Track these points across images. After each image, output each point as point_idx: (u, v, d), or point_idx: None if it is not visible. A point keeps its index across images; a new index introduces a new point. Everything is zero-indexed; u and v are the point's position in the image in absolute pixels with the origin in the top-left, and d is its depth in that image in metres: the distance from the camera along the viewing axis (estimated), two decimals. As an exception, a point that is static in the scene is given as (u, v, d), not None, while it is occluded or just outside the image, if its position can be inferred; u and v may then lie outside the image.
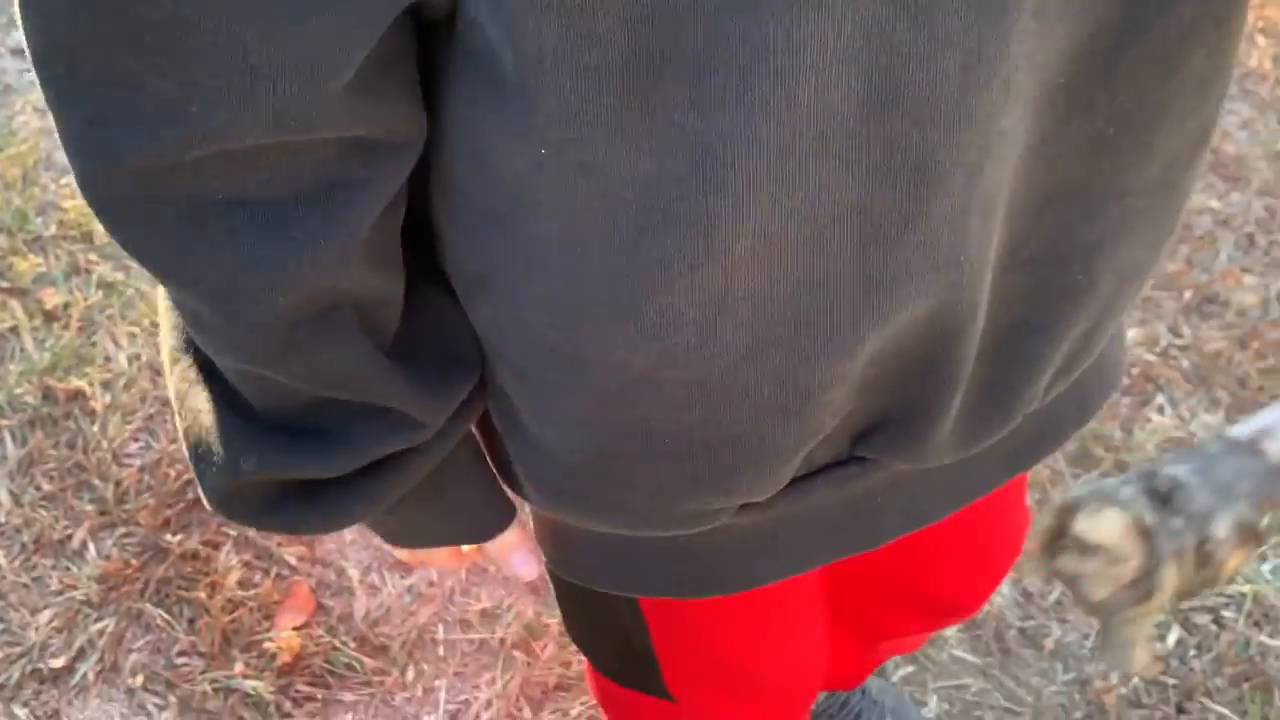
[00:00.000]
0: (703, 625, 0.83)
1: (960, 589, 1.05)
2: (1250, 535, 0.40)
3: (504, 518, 0.72)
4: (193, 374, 0.61)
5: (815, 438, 0.62)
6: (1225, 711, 1.54)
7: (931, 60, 0.48)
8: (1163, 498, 0.39)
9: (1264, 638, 1.60)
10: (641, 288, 0.53)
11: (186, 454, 0.63)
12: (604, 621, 0.86)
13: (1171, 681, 1.57)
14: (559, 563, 0.79)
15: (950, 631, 1.61)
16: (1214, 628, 1.61)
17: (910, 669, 1.58)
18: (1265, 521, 0.37)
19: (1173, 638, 1.60)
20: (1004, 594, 1.64)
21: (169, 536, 1.64)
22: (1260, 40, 2.29)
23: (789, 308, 0.55)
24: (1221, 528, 0.38)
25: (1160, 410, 1.81)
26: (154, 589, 1.61)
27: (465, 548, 0.76)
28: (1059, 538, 0.38)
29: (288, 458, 0.60)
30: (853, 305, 0.55)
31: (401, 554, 0.77)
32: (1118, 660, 0.37)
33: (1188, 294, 1.93)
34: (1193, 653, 1.59)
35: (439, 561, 0.76)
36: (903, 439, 0.65)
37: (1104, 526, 0.38)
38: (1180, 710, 1.55)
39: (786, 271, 0.53)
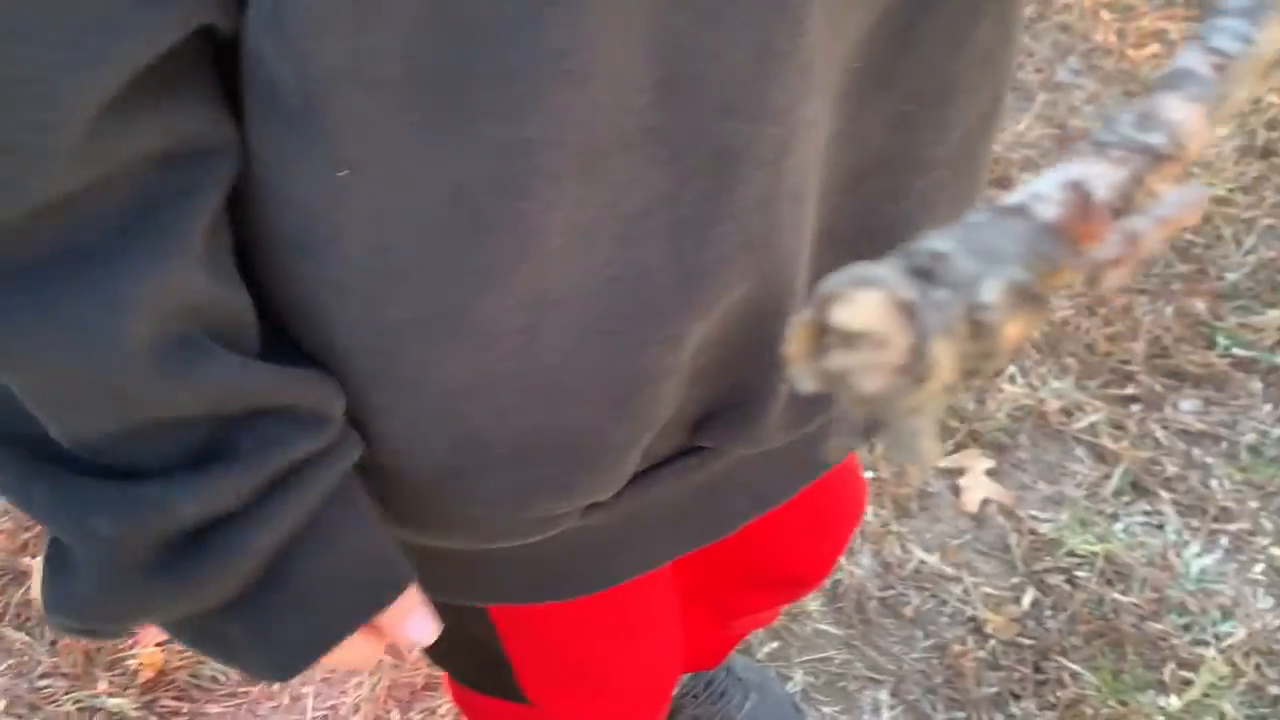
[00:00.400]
0: (554, 627, 0.84)
1: (806, 561, 1.07)
2: (1028, 299, 0.35)
3: (406, 567, 0.63)
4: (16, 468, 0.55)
5: (651, 431, 0.63)
6: (1079, 669, 1.59)
7: (723, 53, 0.49)
8: (924, 272, 0.34)
9: (1116, 594, 1.66)
10: (460, 298, 0.53)
11: (42, 585, 0.56)
12: (456, 632, 0.85)
13: (1028, 642, 1.61)
14: (423, 583, 0.78)
15: (813, 605, 1.64)
16: (1068, 587, 1.66)
17: (775, 645, 1.61)
18: (1048, 287, 0.34)
19: (1028, 599, 1.65)
20: (864, 565, 1.67)
21: (27, 559, 1.62)
22: (1105, 15, 2.36)
23: (610, 303, 0.55)
24: (989, 292, 0.32)
25: (1012, 379, 1.86)
26: (13, 613, 1.59)
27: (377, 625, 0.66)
28: (821, 334, 0.32)
29: (173, 491, 0.53)
30: (672, 296, 0.55)
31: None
32: (907, 455, 0.33)
33: (1037, 265, 1.98)
34: (1048, 613, 1.64)
35: (353, 659, 0.64)
36: (737, 424, 0.66)
37: (862, 310, 0.31)
38: (1037, 670, 1.59)
39: (603, 267, 0.54)
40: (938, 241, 0.34)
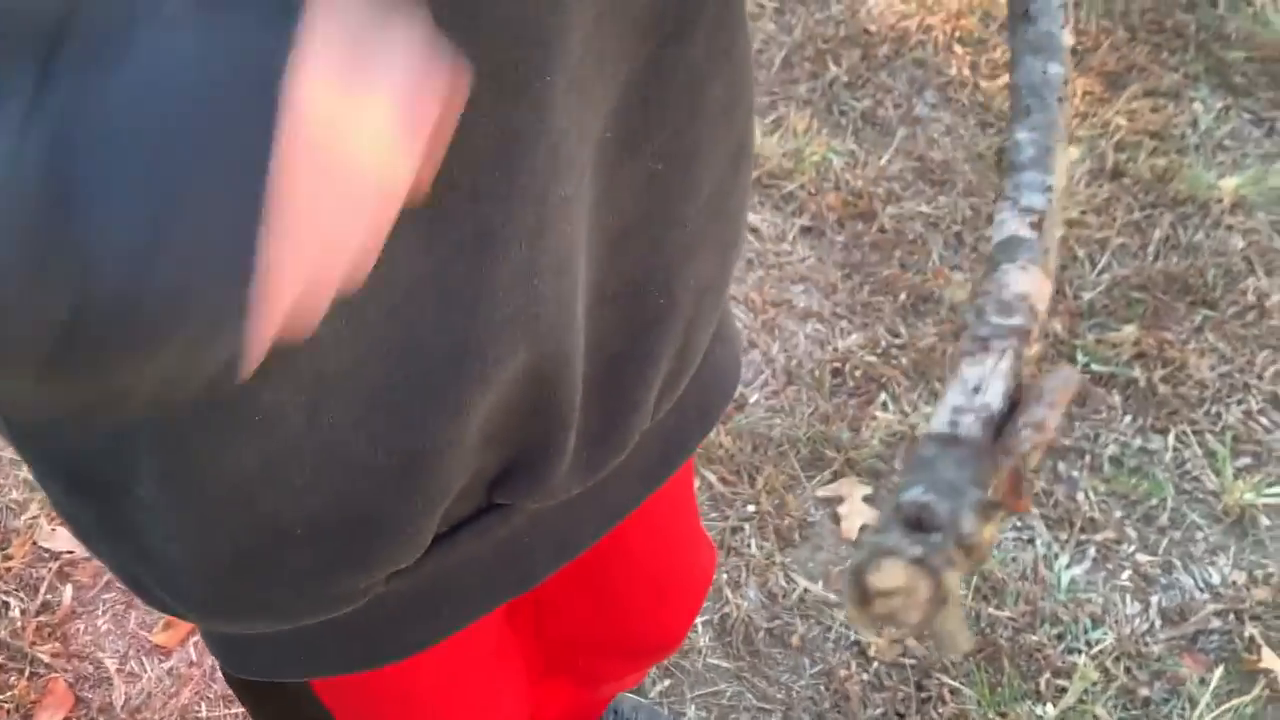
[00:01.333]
0: (380, 697, 0.84)
1: (655, 628, 1.10)
2: (990, 509, 0.46)
3: None
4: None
5: (445, 498, 0.65)
6: (959, 685, 1.64)
7: (468, 141, 0.51)
8: (915, 523, 0.45)
9: (991, 610, 1.72)
10: (238, 387, 0.54)
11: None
12: (286, 711, 0.86)
13: (910, 662, 1.67)
14: (228, 661, 0.78)
15: (704, 641, 1.68)
16: (945, 606, 1.72)
17: (668, 682, 1.65)
18: (999, 493, 0.45)
19: (908, 620, 1.71)
20: (750, 598, 1.72)
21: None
22: (958, 49, 2.45)
23: (387, 380, 0.57)
24: (968, 523, 0.44)
25: (884, 407, 1.92)
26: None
27: None
28: (865, 594, 0.43)
29: None
30: (447, 370, 0.58)
31: None
32: (950, 648, 0.45)
33: (902, 295, 2.06)
34: (926, 633, 1.70)
35: None
36: (530, 481, 0.69)
37: (889, 574, 0.43)
38: (920, 688, 1.65)
39: (376, 346, 0.56)
40: (915, 493, 0.44)
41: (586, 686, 1.23)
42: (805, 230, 2.15)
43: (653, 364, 0.71)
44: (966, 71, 2.42)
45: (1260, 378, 2.00)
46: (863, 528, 1.80)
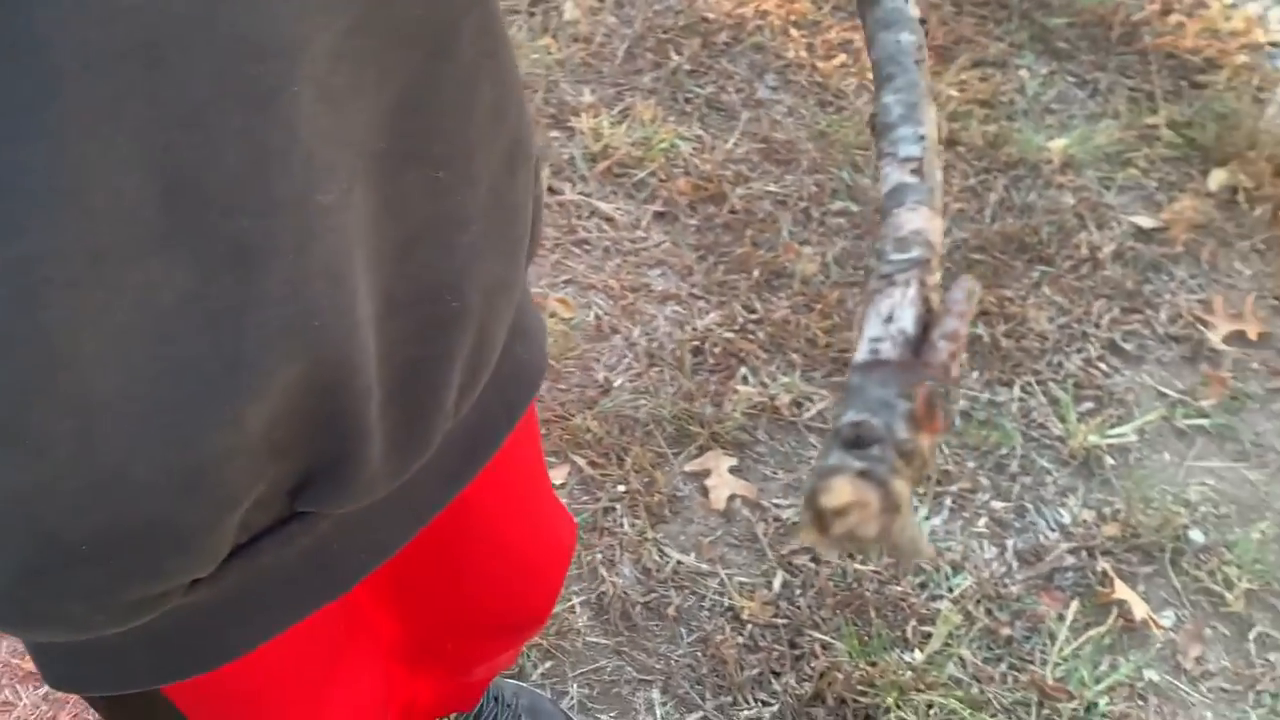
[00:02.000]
0: (229, 697, 0.85)
1: (521, 604, 1.12)
2: (924, 418, 0.50)
3: None
4: None
5: (235, 508, 0.65)
6: (830, 639, 1.71)
7: (216, 157, 0.53)
8: (855, 442, 0.48)
9: (857, 566, 1.79)
10: (4, 412, 0.55)
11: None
12: (140, 715, 0.86)
13: (782, 622, 1.73)
14: (53, 678, 0.77)
15: (582, 621, 1.72)
16: (813, 566, 1.79)
17: (549, 664, 1.68)
18: (925, 403, 0.49)
19: (778, 582, 1.77)
20: (625, 575, 1.76)
21: None
22: (794, 32, 2.53)
23: (158, 398, 0.57)
24: (902, 430, 0.47)
25: (745, 380, 1.98)
26: None
27: None
28: (821, 518, 0.47)
29: None
30: (220, 384, 0.58)
31: None
32: (913, 555, 0.49)
33: (756, 272, 2.12)
34: (798, 592, 1.76)
35: None
36: (331, 489, 0.69)
37: (838, 492, 0.46)
38: (793, 646, 1.71)
39: (145, 365, 0.56)
40: (848, 416, 0.48)
41: (459, 671, 1.25)
42: (659, 216, 2.20)
43: (449, 366, 0.72)
44: (804, 54, 2.49)
45: (1097, 326, 2.10)
46: (731, 497, 1.85)
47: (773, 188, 2.27)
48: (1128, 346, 2.08)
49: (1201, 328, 2.11)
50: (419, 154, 0.63)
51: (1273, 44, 2.57)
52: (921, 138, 0.55)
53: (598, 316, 2.04)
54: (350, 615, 0.96)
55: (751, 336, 2.04)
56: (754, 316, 2.06)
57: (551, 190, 2.19)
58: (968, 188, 2.28)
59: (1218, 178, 2.31)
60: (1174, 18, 2.57)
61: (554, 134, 2.27)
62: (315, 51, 0.55)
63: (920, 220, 0.52)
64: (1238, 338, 2.11)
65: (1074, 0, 2.59)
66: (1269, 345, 2.10)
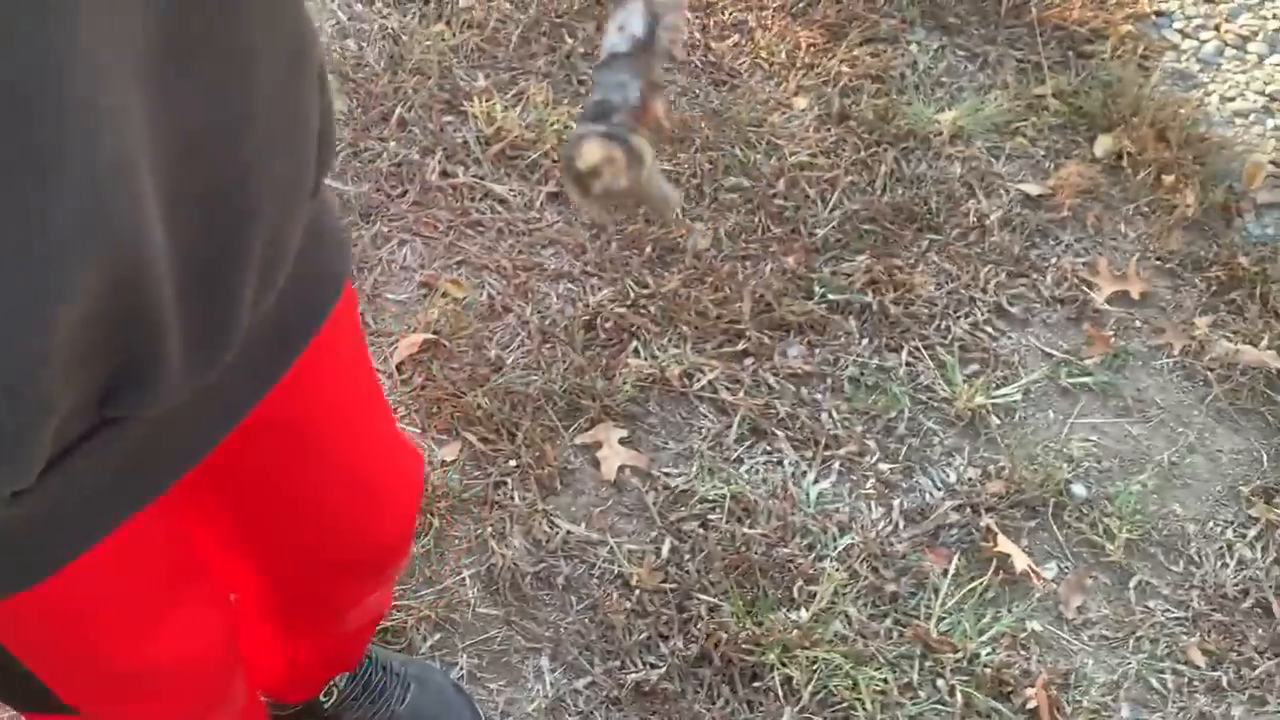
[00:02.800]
0: (53, 621, 0.86)
1: (372, 532, 1.13)
2: (651, 90, 0.65)
3: None
4: None
5: (48, 415, 0.67)
6: (717, 601, 1.73)
7: (4, 61, 0.55)
8: (601, 111, 0.61)
9: (745, 530, 1.81)
10: None
11: None
12: None
13: (671, 587, 1.75)
14: None
15: (471, 592, 1.73)
16: (702, 531, 1.81)
17: (438, 636, 1.69)
18: (652, 82, 0.65)
19: (666, 548, 1.79)
20: (515, 546, 1.78)
21: None
22: (686, 14, 2.55)
23: None
24: (634, 97, 0.61)
25: (636, 353, 2.00)
26: None
27: None
28: (581, 181, 0.61)
29: None
30: (27, 284, 0.60)
31: None
32: (664, 207, 0.65)
33: (649, 248, 2.14)
34: (686, 557, 1.78)
35: None
36: (138, 392, 0.72)
37: (589, 152, 0.60)
38: (681, 610, 1.73)
39: None
40: (595, 94, 0.62)
41: (331, 619, 1.25)
42: (552, 196, 2.22)
43: (243, 263, 0.74)
44: (697, 34, 2.52)
45: (984, 291, 2.14)
46: (621, 468, 1.87)
47: (666, 166, 2.29)
48: (1014, 310, 2.12)
49: (1086, 289, 2.16)
50: (195, 54, 0.65)
51: (1158, 13, 2.63)
52: None
53: (490, 296, 2.06)
54: (186, 555, 0.97)
55: (643, 311, 2.06)
56: (646, 291, 2.08)
57: (445, 174, 2.21)
58: (858, 160, 2.32)
59: (1103, 144, 2.35)
60: (1061, -9, 2.62)
61: (447, 119, 2.28)
62: None
63: None
64: (1121, 298, 2.15)
65: (964, -24, 2.63)
66: (1151, 304, 2.15)
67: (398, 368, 1.94)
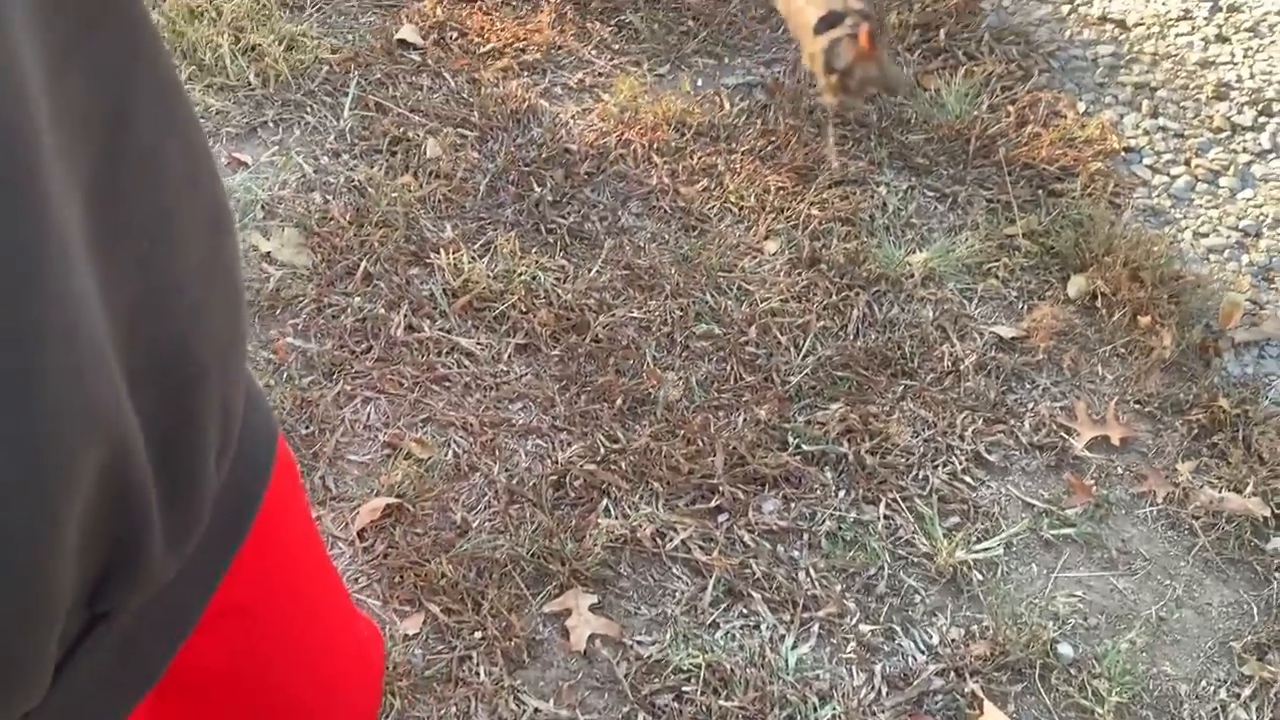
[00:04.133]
0: None
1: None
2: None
3: None
4: None
5: (54, 624, 0.64)
6: (693, 780, 1.65)
7: None
8: (831, 21, 0.70)
9: (722, 702, 1.74)
10: None
11: None
12: None
13: (644, 766, 1.67)
14: None
15: (434, 778, 1.65)
16: (676, 705, 1.74)
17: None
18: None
19: (639, 724, 1.72)
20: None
21: None
22: (656, 159, 2.55)
23: None
24: (854, 4, 0.72)
25: (606, 512, 1.95)
26: None
27: None
28: (841, 80, 0.71)
29: None
30: (25, 492, 0.58)
31: None
32: (903, 82, 0.72)
33: (619, 400, 2.10)
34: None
35: None
36: (128, 579, 0.69)
37: (846, 50, 0.68)
38: (655, 791, 1.65)
39: None
40: (818, 12, 0.68)
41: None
42: (520, 349, 2.18)
43: (202, 427, 0.73)
44: (666, 180, 2.51)
45: (961, 438, 2.10)
46: (591, 637, 1.80)
47: (636, 314, 2.26)
48: (992, 458, 2.08)
49: (1065, 435, 2.11)
50: (124, 231, 0.65)
51: (1128, 149, 2.63)
52: None
53: (456, 455, 2.00)
54: None
55: (614, 467, 2.01)
56: (616, 446, 2.04)
57: (411, 328, 2.17)
58: (830, 305, 2.29)
59: (1076, 284, 2.33)
60: (1030, 129, 2.62)
61: (414, 271, 2.26)
62: (36, 141, 0.56)
63: None
64: (1101, 443, 2.11)
65: (932, 116, 2.63)
66: (1132, 449, 2.11)
67: (359, 534, 1.88)
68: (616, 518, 1.94)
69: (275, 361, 2.10)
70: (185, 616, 0.83)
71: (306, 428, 2.02)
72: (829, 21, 0.68)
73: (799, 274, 2.34)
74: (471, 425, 2.05)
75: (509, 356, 2.16)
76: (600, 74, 2.72)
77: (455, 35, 2.72)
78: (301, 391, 2.05)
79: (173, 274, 0.69)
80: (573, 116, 2.61)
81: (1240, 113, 2.70)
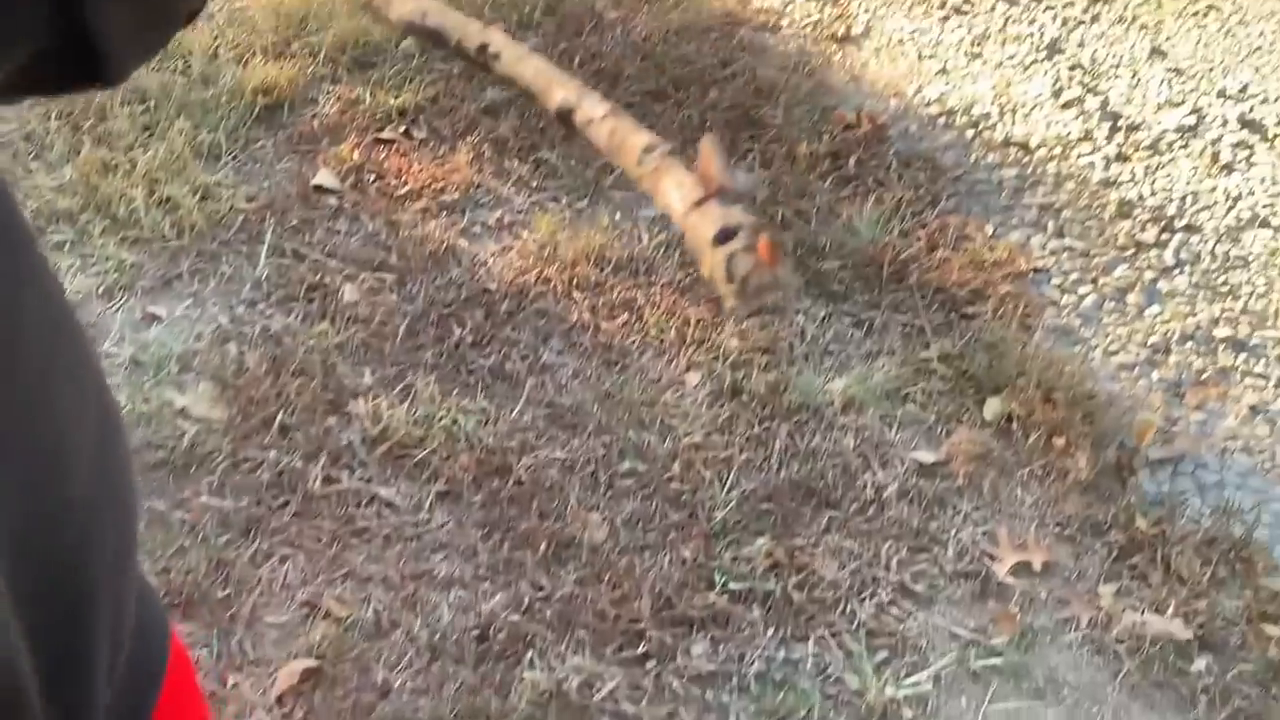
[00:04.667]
0: None
1: None
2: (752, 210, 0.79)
3: None
4: None
5: None
6: None
7: None
8: (725, 238, 0.74)
9: None
10: None
11: None
12: None
13: None
14: None
15: None
16: None
17: None
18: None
19: None
20: None
21: None
22: (576, 295, 2.56)
23: None
24: (748, 220, 0.77)
25: (532, 664, 1.92)
26: None
27: None
28: (740, 289, 0.73)
29: None
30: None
31: None
32: (792, 290, 0.71)
33: (543, 545, 2.08)
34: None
35: None
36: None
37: (745, 259, 0.73)
38: None
39: None
40: (712, 230, 0.71)
41: None
42: (441, 496, 2.16)
43: (95, 646, 0.70)
44: (587, 315, 2.52)
45: (887, 568, 2.10)
46: None
47: (559, 454, 2.25)
48: (918, 587, 2.08)
49: (988, 560, 2.12)
50: (11, 442, 0.62)
51: (1036, 270, 2.69)
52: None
53: (376, 611, 1.97)
54: None
55: (539, 616, 1.98)
56: (541, 594, 2.02)
57: (329, 480, 2.15)
58: (752, 436, 2.30)
59: (992, 407, 2.36)
60: (940, 253, 2.67)
61: (331, 421, 2.24)
62: None
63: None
64: (1024, 568, 2.12)
65: (845, 242, 2.68)
66: (1054, 574, 2.12)
67: (277, 700, 1.84)
68: (542, 670, 1.91)
69: (190, 522, 2.06)
70: None
71: (223, 590, 1.98)
72: (726, 234, 0.71)
73: (721, 406, 2.35)
74: (392, 579, 2.02)
75: (430, 505, 2.14)
76: (519, 211, 2.75)
77: (373, 178, 2.74)
78: (218, 552, 2.02)
79: (62, 491, 0.67)
80: (492, 255, 2.63)
81: (1144, 230, 2.78)
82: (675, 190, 0.74)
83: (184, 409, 2.23)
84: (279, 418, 2.22)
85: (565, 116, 0.78)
